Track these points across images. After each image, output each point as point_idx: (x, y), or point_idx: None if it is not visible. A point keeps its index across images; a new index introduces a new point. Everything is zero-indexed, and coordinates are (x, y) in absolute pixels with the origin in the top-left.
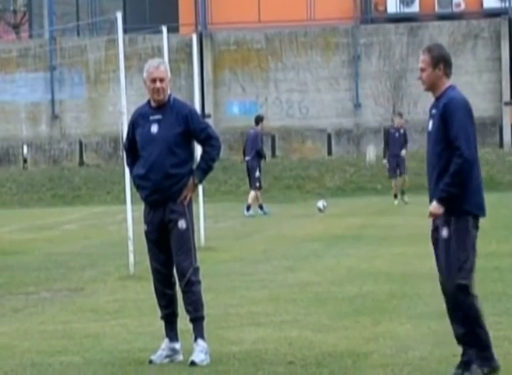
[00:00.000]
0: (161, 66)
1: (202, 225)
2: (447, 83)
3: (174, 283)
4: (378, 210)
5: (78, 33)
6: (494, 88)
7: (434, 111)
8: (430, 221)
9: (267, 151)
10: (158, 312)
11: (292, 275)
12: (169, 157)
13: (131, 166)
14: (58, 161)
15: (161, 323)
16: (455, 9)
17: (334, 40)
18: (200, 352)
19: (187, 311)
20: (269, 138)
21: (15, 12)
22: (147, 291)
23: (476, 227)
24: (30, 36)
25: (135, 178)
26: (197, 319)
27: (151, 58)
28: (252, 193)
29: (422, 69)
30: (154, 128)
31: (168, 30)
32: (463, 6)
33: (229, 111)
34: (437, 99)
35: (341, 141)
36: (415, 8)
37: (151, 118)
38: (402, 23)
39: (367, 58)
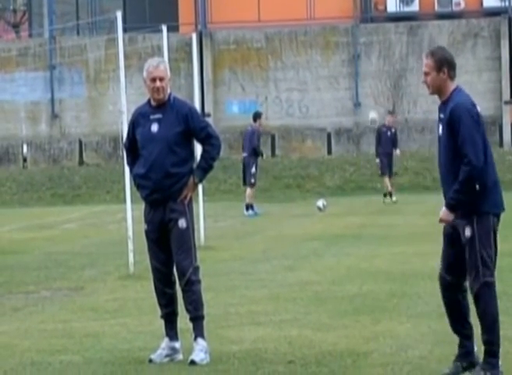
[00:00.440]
0: (160, 65)
1: (202, 224)
2: (452, 85)
3: (174, 283)
4: (377, 209)
5: (78, 33)
6: (494, 87)
7: (442, 115)
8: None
9: (267, 151)
10: (158, 311)
11: (292, 274)
12: (170, 156)
13: (131, 165)
14: (58, 160)
15: (161, 322)
16: (455, 8)
17: (334, 39)
18: (200, 351)
19: (187, 310)
20: (269, 137)
21: (15, 11)
22: (146, 290)
23: (497, 225)
24: (30, 35)
25: (135, 177)
26: (196, 319)
27: (150, 58)
28: (248, 191)
29: (426, 73)
30: (155, 127)
31: (168, 30)
32: (463, 5)
33: (228, 110)
34: (444, 103)
35: (341, 140)
36: (415, 7)
37: (152, 117)
38: (402, 22)
39: (366, 58)
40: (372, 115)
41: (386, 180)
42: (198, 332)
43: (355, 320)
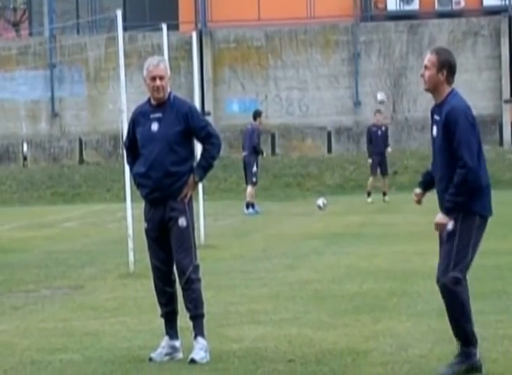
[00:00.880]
0: (160, 63)
1: (202, 223)
2: (448, 89)
3: (174, 281)
4: (378, 208)
5: (78, 31)
6: (494, 86)
7: (437, 117)
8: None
9: (267, 149)
10: (158, 310)
11: (292, 273)
12: (170, 155)
13: (131, 164)
14: (58, 159)
15: (161, 321)
16: (455, 7)
17: (334, 37)
18: (200, 350)
19: (187, 309)
20: (269, 136)
21: (15, 9)
22: (146, 288)
23: (483, 227)
24: (30, 34)
25: (135, 176)
26: (197, 317)
27: (150, 56)
28: (249, 189)
29: (426, 67)
30: (155, 126)
31: (168, 28)
32: (463, 4)
33: (228, 109)
34: (439, 105)
35: (341, 139)
36: (415, 5)
37: (152, 116)
38: (402, 20)
39: (367, 56)
40: (380, 96)
41: (372, 179)
42: (198, 330)
43: (355, 319)
